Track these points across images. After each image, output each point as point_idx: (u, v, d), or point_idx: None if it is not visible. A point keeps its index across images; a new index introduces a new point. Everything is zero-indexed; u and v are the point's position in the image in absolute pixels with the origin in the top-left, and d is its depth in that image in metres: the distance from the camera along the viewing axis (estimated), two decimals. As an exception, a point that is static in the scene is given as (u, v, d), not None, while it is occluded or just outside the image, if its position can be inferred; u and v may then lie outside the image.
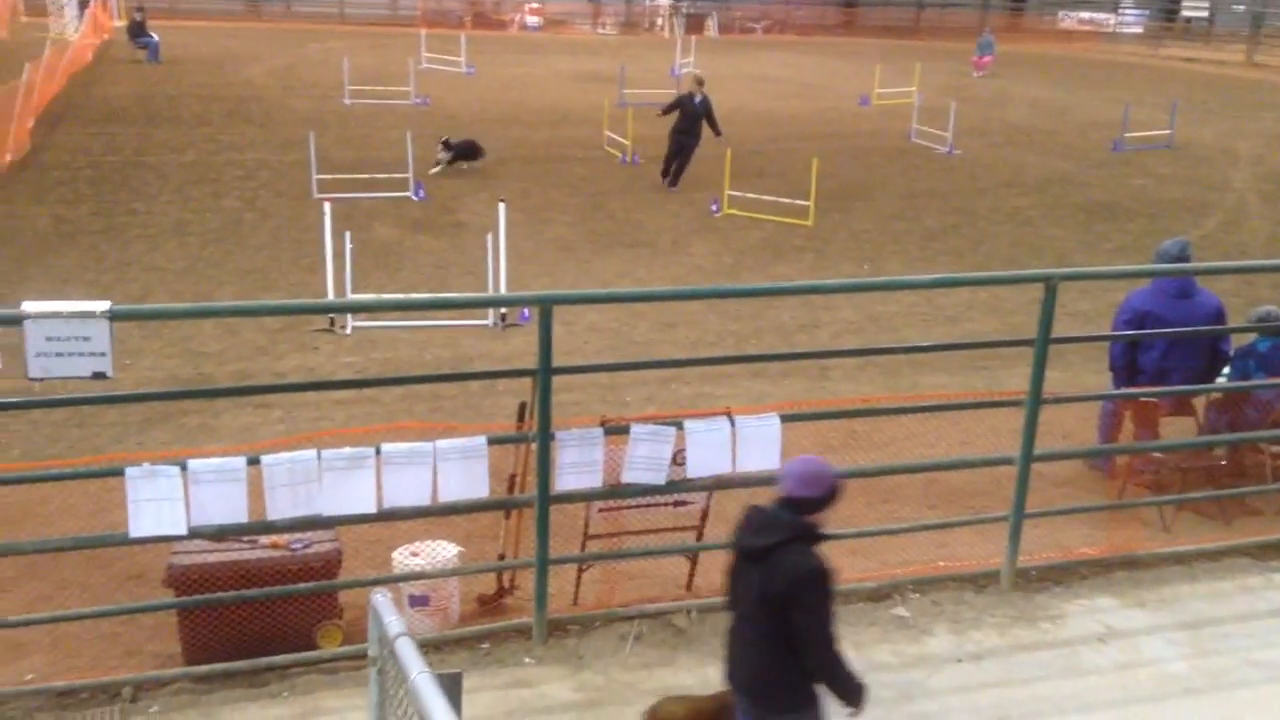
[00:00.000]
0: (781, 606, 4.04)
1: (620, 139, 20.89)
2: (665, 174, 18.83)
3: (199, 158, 19.33)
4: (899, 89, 28.85)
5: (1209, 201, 19.19)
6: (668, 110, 18.79)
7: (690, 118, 18.27)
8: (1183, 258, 7.88)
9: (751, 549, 4.13)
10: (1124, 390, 7.93)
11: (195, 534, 5.07)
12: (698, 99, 18.30)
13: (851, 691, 4.19)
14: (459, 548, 6.24)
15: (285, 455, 5.08)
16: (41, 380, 4.70)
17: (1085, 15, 54.94)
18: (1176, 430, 7.98)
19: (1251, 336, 8.05)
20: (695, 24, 46.55)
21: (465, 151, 19.39)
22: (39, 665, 5.73)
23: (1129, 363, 8.03)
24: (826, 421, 7.44)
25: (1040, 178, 20.67)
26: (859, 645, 5.87)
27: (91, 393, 5.62)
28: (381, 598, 3.07)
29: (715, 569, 6.63)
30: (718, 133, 18.49)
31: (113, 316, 4.71)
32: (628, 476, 5.68)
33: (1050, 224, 17.30)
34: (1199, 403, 7.96)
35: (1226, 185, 20.65)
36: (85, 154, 19.20)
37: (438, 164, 18.87)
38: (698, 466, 5.74)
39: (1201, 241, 16.07)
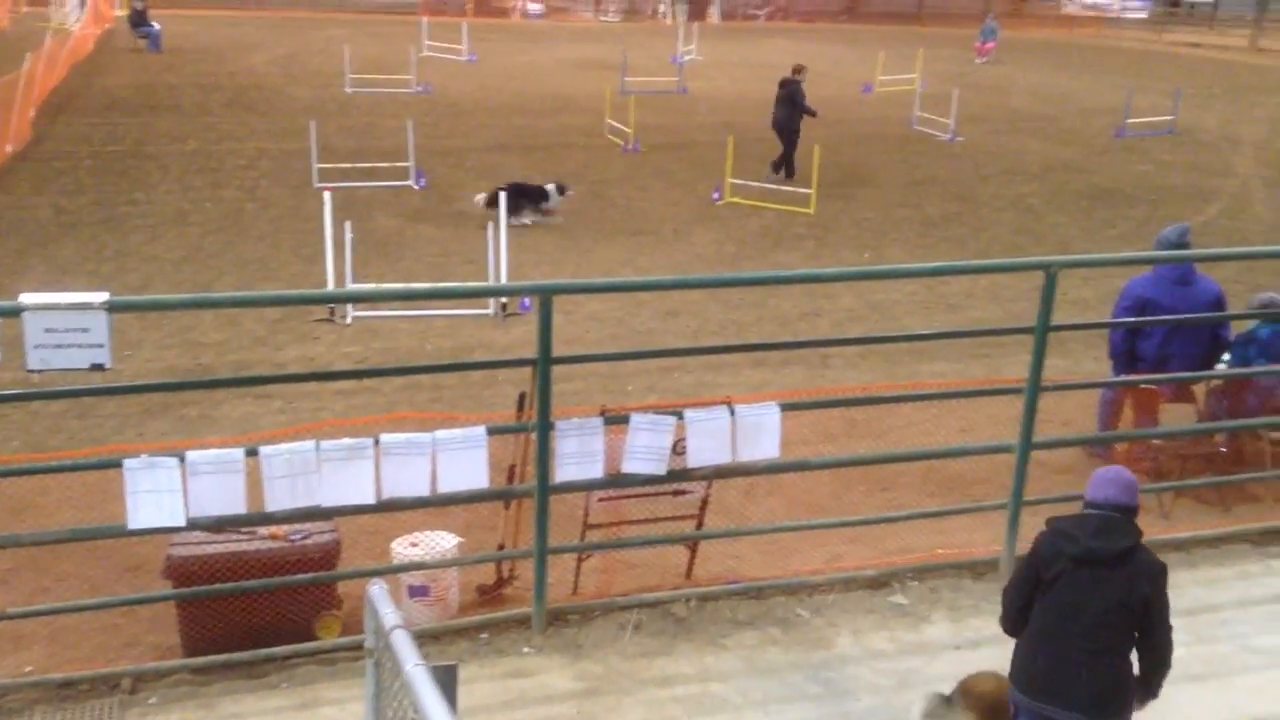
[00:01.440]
0: (1145, 606, 4.23)
1: (622, 126, 20.85)
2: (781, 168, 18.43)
3: (200, 147, 19.33)
4: (901, 76, 28.78)
5: (1211, 188, 19.14)
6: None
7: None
8: (1182, 244, 7.86)
9: (1111, 552, 4.23)
10: (1124, 377, 7.92)
11: (194, 525, 5.08)
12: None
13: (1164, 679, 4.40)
14: (458, 538, 6.24)
15: (284, 446, 5.08)
16: (40, 372, 4.70)
17: (1089, 1, 54.75)
18: (1176, 417, 7.96)
19: (1252, 323, 8.03)
20: (698, 10, 46.45)
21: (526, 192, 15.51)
22: (38, 657, 5.75)
23: (1129, 350, 8.02)
24: (827, 410, 7.45)
25: (1042, 165, 20.62)
26: (857, 633, 5.89)
27: (91, 384, 5.63)
28: (378, 589, 3.07)
29: (714, 558, 6.65)
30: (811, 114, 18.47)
31: (111, 308, 4.71)
32: (628, 466, 5.69)
33: (1052, 211, 17.26)
34: (1199, 390, 7.95)
35: (1229, 171, 20.59)
36: (86, 144, 19.20)
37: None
38: (698, 456, 5.74)
39: (1204, 228, 16.03)
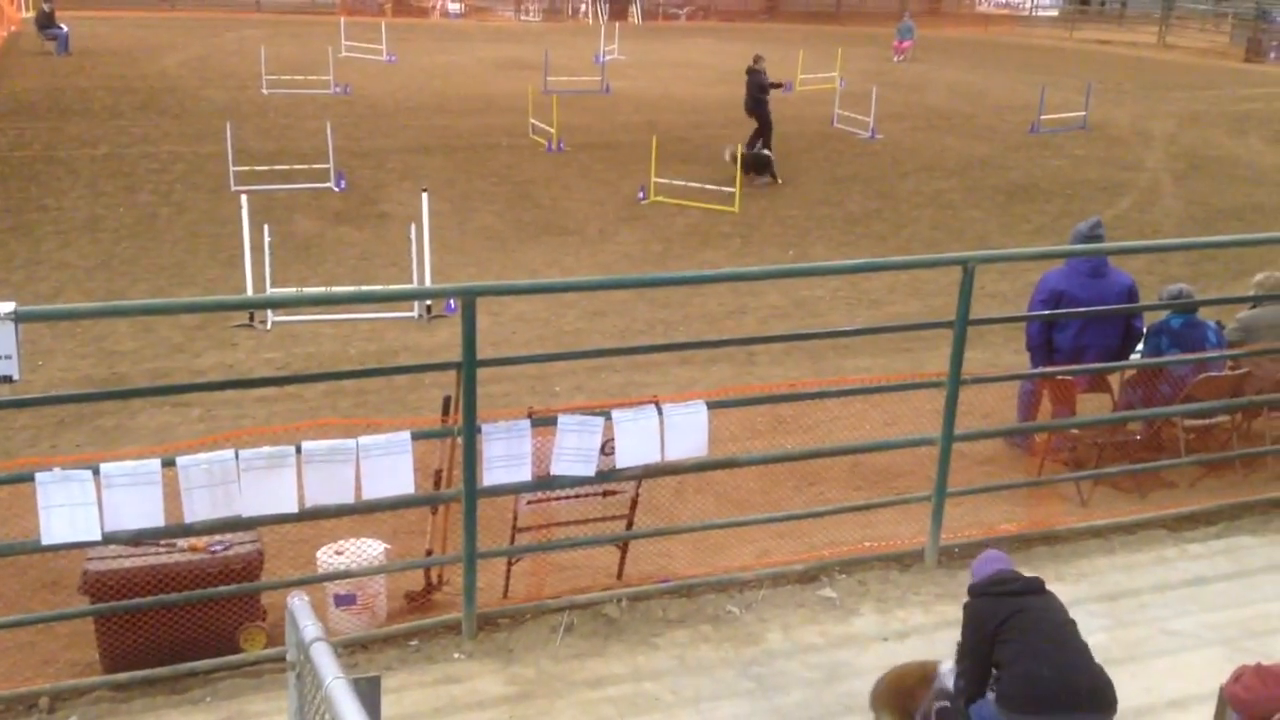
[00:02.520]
0: None
1: (546, 126, 20.78)
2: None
3: (111, 151, 18.86)
4: (821, 74, 29.08)
5: (1123, 181, 19.63)
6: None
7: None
8: (1094, 237, 8.04)
9: (1041, 581, 4.74)
10: (1041, 369, 8.08)
11: (110, 539, 4.94)
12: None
13: None
14: (385, 545, 6.17)
15: (202, 456, 4.97)
16: (-57, 386, 4.54)
17: (1002, -1, 55.84)
18: (1093, 407, 8.14)
19: (1164, 314, 8.24)
20: (619, 10, 46.44)
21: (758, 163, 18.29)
22: (-50, 678, 5.56)
23: (1045, 342, 8.18)
24: (754, 407, 7.49)
25: (960, 161, 20.98)
26: (787, 627, 5.93)
27: (0, 396, 5.46)
28: (299, 601, 3.01)
29: (645, 558, 6.65)
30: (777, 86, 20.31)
31: (18, 318, 4.57)
32: (556, 468, 5.66)
33: (970, 206, 17.57)
34: (1114, 380, 8.14)
35: (1140, 165, 21.14)
36: (-8, 149, 18.65)
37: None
38: (626, 456, 5.73)
39: (1116, 221, 16.44)
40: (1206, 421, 8.07)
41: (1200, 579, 6.50)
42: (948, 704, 4.75)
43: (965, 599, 4.78)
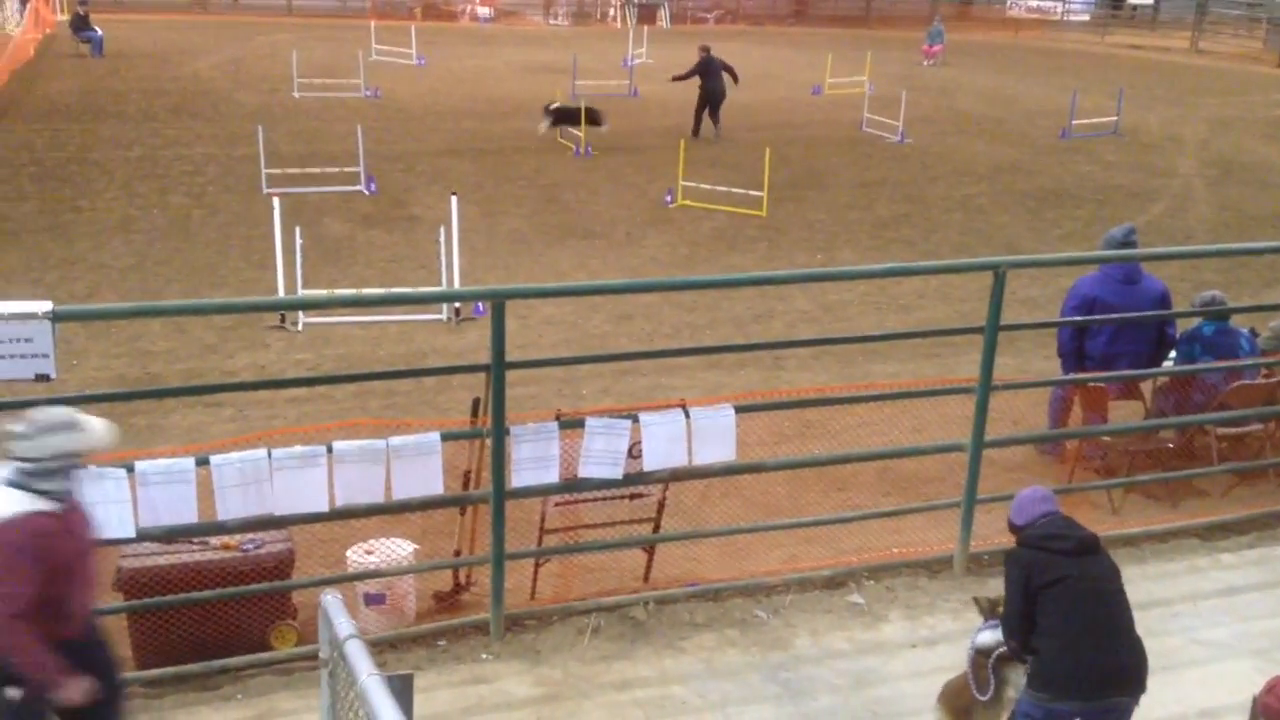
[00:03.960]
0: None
1: (574, 130, 20.82)
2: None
3: (145, 153, 19.04)
4: (850, 78, 28.99)
5: (1155, 187, 19.46)
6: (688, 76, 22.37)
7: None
8: (1128, 243, 7.99)
9: (1096, 538, 4.54)
10: (1072, 376, 8.03)
11: (144, 536, 5.00)
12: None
13: None
14: (414, 545, 6.21)
15: (235, 455, 5.03)
16: (-19, 383, 4.61)
17: (1033, 3, 55.42)
18: (1125, 414, 8.09)
19: (1196, 321, 8.17)
20: (647, 14, 46.45)
21: (566, 116, 20.92)
22: (-15, 673, 5.63)
23: (1077, 348, 8.13)
24: (781, 411, 7.48)
25: (990, 166, 20.86)
26: (815, 633, 5.92)
27: (36, 395, 5.53)
28: (331, 598, 3.04)
29: (672, 562, 6.66)
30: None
31: (55, 317, 4.63)
32: (584, 470, 5.69)
33: (1000, 211, 17.47)
34: (1146, 387, 8.08)
35: (1172, 171, 20.95)
36: (28, 151, 18.85)
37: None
38: (653, 459, 5.75)
39: (1148, 227, 16.30)
40: (1240, 430, 8.01)
41: (1233, 588, 6.45)
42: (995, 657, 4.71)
43: (1010, 542, 4.68)
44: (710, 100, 22.38)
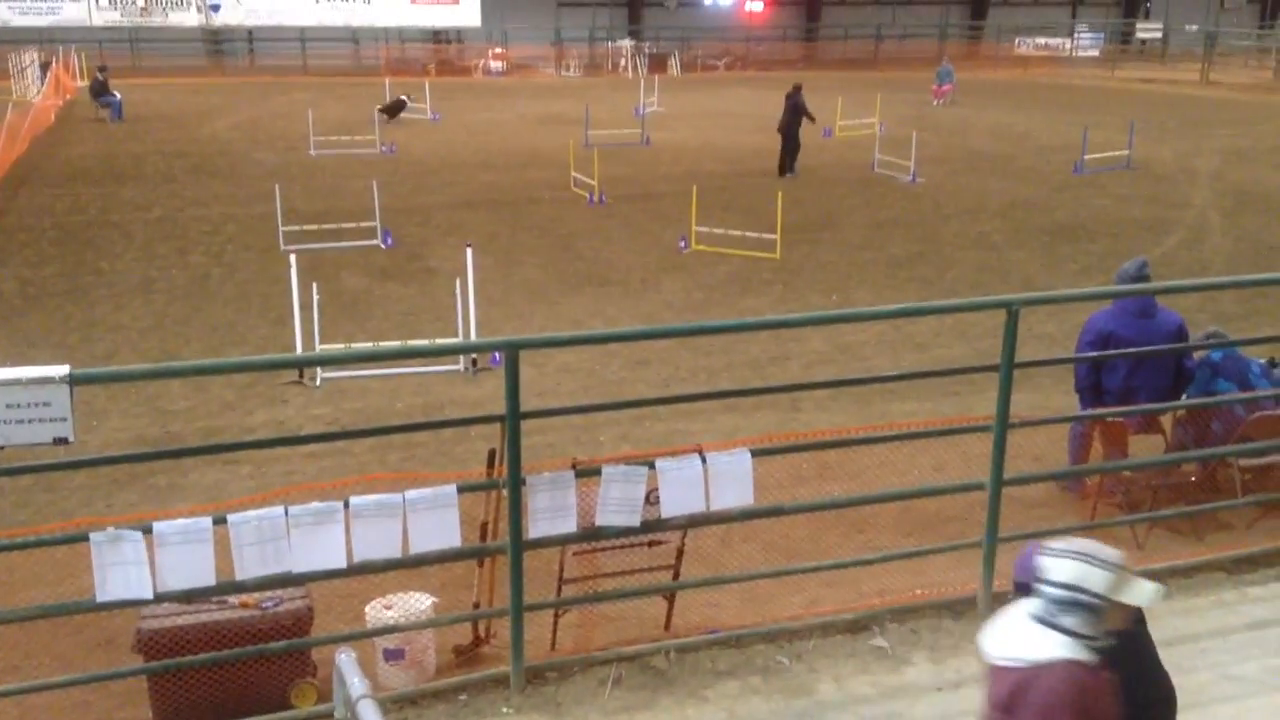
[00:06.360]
0: None
1: (587, 179, 20.99)
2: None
3: (164, 214, 19.29)
4: (861, 120, 29.16)
5: (1169, 220, 19.43)
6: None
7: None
8: (1141, 277, 7.97)
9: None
10: (1090, 411, 7.98)
11: (162, 597, 5.01)
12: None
13: None
14: (433, 598, 6.19)
15: (252, 513, 5.03)
16: (2, 449, 4.64)
17: (1041, 40, 55.79)
18: (1145, 448, 8.03)
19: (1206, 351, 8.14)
20: (658, 63, 46.97)
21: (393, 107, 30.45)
22: (7, 738, 5.64)
23: (1094, 384, 8.09)
24: (800, 453, 7.45)
25: (1003, 203, 20.89)
26: (839, 678, 5.86)
27: (56, 458, 5.57)
28: (346, 657, 3.04)
29: (692, 609, 6.61)
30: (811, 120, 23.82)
31: (73, 381, 4.67)
32: (602, 519, 5.66)
33: (1014, 248, 17.47)
34: (1166, 420, 8.02)
35: (1186, 203, 20.93)
36: (49, 215, 19.13)
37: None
38: (671, 505, 5.72)
39: (1163, 259, 16.27)
40: (1263, 461, 7.92)
41: (1261, 622, 6.35)
42: None
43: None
44: (782, 137, 23.64)
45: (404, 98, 31.84)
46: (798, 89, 23.85)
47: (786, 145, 23.56)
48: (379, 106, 29.91)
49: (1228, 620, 6.35)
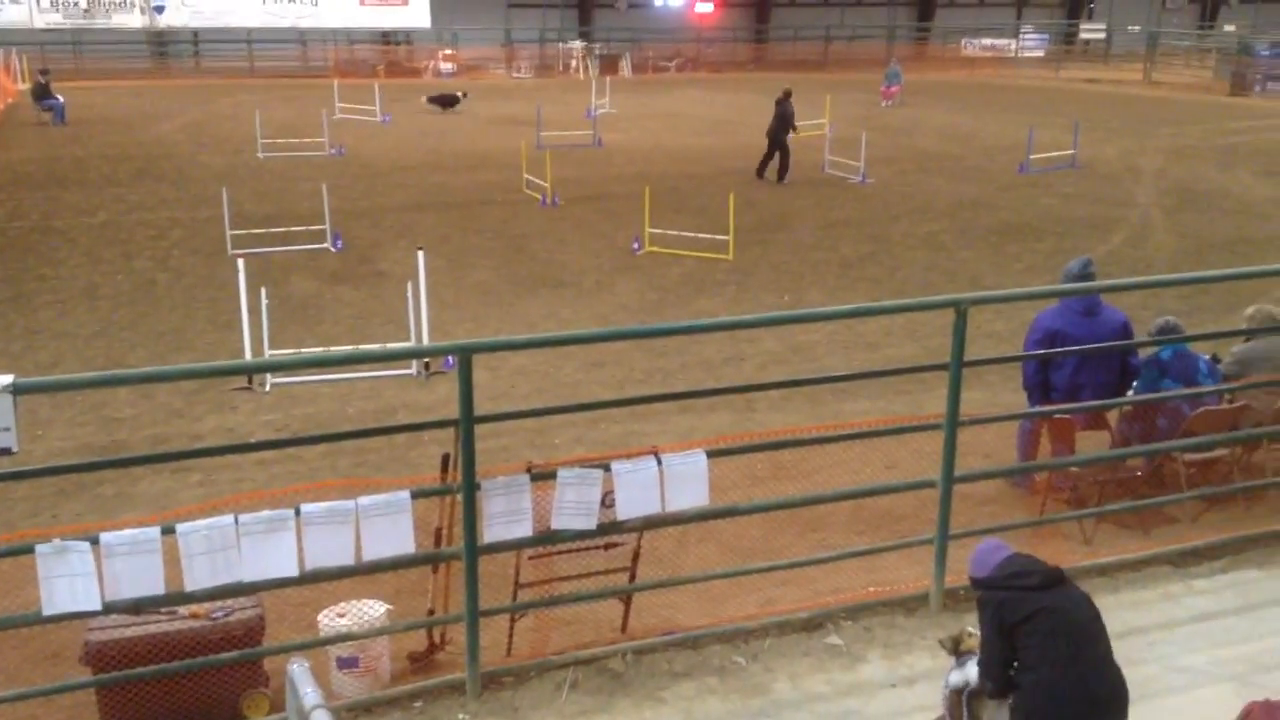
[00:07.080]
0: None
1: (540, 181, 20.94)
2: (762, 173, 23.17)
3: (109, 219, 18.98)
4: (811, 121, 29.34)
5: (1114, 218, 19.74)
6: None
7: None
8: (1085, 275, 8.08)
9: (1062, 571, 4.57)
10: (1038, 409, 8.08)
11: (111, 609, 4.93)
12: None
13: None
14: (387, 605, 6.14)
15: (201, 522, 4.97)
16: (-58, 460, 4.55)
17: (987, 41, 56.39)
18: (1092, 445, 8.14)
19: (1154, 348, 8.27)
20: (609, 65, 46.94)
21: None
22: (-49, 755, 5.52)
23: (1042, 381, 8.20)
24: (753, 454, 7.48)
25: (951, 202, 21.11)
26: (794, 676, 5.89)
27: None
28: (298, 667, 3.01)
29: (649, 610, 6.62)
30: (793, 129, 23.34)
31: (16, 390, 4.59)
32: (557, 522, 5.65)
33: (962, 247, 17.66)
34: (1112, 417, 8.14)
35: (1130, 201, 21.27)
36: (-10, 221, 18.77)
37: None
38: (627, 507, 5.72)
39: (1108, 257, 16.52)
40: (1206, 455, 8.07)
41: (1207, 614, 6.47)
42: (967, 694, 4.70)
43: (977, 593, 4.68)
44: (769, 143, 23.24)
45: (459, 94, 33.65)
46: (787, 95, 23.30)
47: (771, 151, 23.07)
48: (427, 97, 30.91)
49: (1174, 613, 6.46)
